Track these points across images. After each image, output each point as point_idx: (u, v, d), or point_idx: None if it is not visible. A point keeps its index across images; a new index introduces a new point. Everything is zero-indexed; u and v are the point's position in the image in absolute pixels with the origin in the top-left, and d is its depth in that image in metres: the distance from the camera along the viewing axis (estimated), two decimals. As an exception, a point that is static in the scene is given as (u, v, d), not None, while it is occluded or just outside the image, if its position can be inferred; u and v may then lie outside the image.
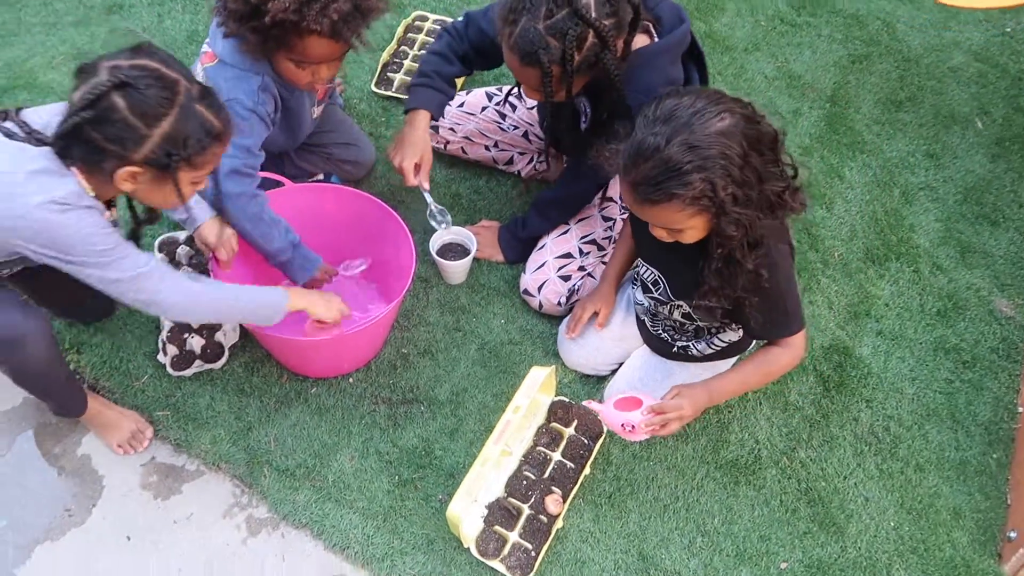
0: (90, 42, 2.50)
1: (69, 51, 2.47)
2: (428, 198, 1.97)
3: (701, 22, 2.82)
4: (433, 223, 2.00)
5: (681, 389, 1.55)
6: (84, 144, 1.29)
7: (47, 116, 1.36)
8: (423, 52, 2.53)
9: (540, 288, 1.97)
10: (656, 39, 1.66)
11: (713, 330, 1.69)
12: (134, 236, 1.55)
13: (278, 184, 1.91)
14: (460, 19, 1.88)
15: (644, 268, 1.70)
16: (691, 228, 1.37)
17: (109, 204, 1.47)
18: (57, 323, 1.91)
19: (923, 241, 2.29)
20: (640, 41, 1.64)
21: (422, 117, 1.86)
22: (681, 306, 1.64)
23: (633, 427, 1.54)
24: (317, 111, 1.96)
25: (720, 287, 1.44)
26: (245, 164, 1.69)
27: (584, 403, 1.70)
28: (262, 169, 1.77)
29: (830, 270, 2.20)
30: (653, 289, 1.69)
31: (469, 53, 1.87)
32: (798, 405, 1.95)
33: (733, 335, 1.72)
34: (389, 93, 2.45)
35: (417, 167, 1.85)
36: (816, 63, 2.73)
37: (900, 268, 2.23)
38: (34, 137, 1.32)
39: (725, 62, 2.70)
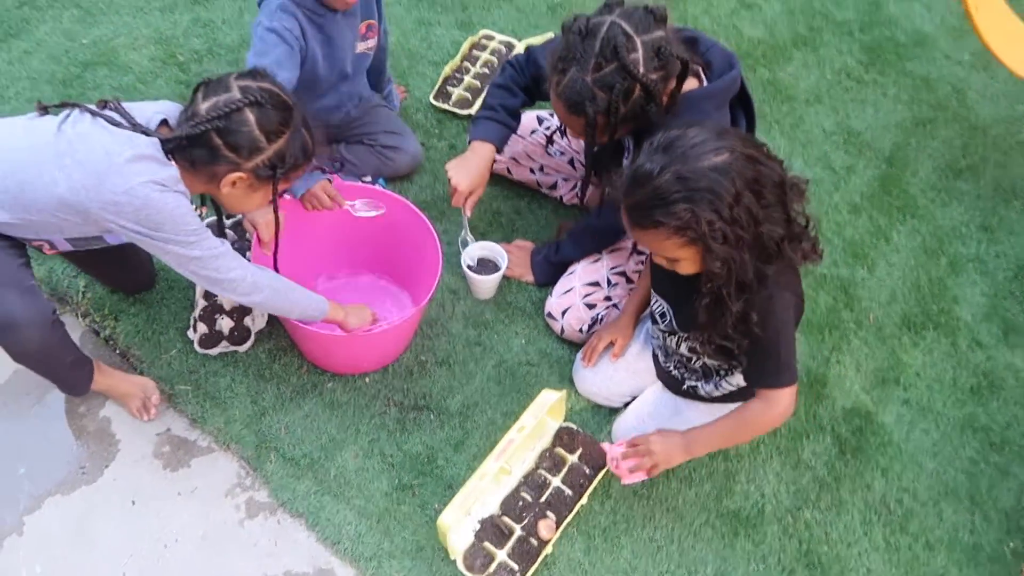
0: (172, 28, 2.63)
1: (152, 35, 2.60)
2: (466, 224, 2.02)
3: (766, 69, 2.81)
4: (461, 248, 2.05)
5: (659, 431, 1.58)
6: (205, 148, 1.43)
7: (149, 112, 1.48)
8: (484, 69, 2.60)
9: (564, 313, 1.98)
10: (705, 83, 1.67)
11: (721, 371, 1.68)
12: (220, 228, 1.71)
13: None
14: (522, 53, 1.93)
15: (655, 299, 1.70)
16: (683, 259, 1.38)
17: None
18: (101, 290, 2.01)
19: (965, 314, 2.22)
20: (688, 84, 1.65)
21: (487, 149, 1.90)
22: (686, 339, 1.63)
23: (617, 464, 1.58)
24: (361, 46, 2.05)
25: (709, 324, 1.44)
26: None
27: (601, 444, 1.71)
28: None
29: (863, 332, 2.16)
30: (660, 321, 1.69)
31: (530, 85, 1.92)
32: (810, 464, 1.91)
33: (741, 379, 1.70)
34: (446, 106, 2.51)
35: (468, 193, 1.89)
36: (878, 122, 2.69)
37: (937, 339, 2.17)
38: (139, 129, 1.44)
39: (784, 111, 2.68)
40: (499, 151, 1.95)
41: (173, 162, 1.45)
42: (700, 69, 1.68)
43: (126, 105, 1.47)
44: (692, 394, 1.77)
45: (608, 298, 1.98)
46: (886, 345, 2.14)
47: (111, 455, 1.80)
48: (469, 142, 1.93)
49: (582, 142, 2.18)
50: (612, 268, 2.00)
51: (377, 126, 2.26)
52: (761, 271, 1.36)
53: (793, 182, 1.37)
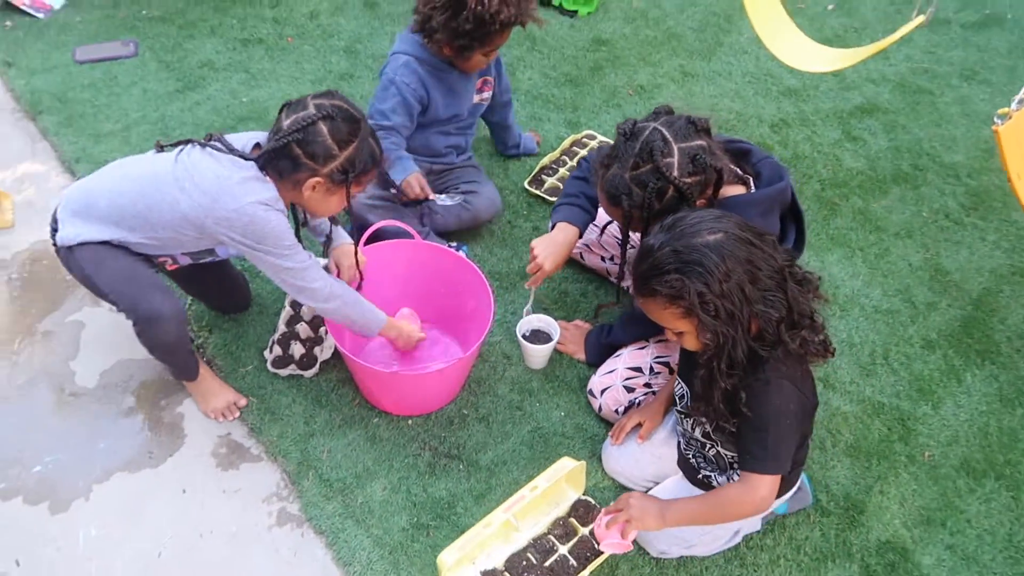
0: (317, 98, 3.02)
1: (299, 102, 3.00)
2: (531, 300, 2.19)
3: (859, 199, 2.84)
4: (526, 312, 2.22)
5: (640, 494, 1.64)
6: (288, 158, 1.68)
7: (244, 140, 1.79)
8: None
9: (603, 392, 2.06)
10: (752, 191, 1.77)
11: (735, 465, 1.69)
12: (296, 235, 1.92)
13: (409, 235, 2.19)
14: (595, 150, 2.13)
15: (678, 383, 1.76)
16: (685, 332, 1.46)
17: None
18: (202, 307, 2.29)
19: (1034, 470, 2.10)
20: (735, 190, 1.76)
21: (571, 232, 2.04)
22: (702, 423, 1.67)
23: (598, 524, 1.67)
24: (477, 98, 2.42)
25: (701, 396, 1.48)
26: (377, 124, 2.23)
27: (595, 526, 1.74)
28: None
29: (914, 467, 2.08)
30: (679, 402, 1.74)
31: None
32: (831, 589, 1.85)
33: None
34: (538, 192, 2.71)
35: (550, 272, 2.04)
36: (970, 264, 2.64)
37: (997, 490, 2.06)
38: (236, 154, 1.72)
39: (871, 240, 2.69)
40: (581, 235, 2.08)
41: (269, 179, 1.71)
42: (750, 179, 1.78)
43: (227, 136, 1.78)
44: (707, 485, 1.78)
45: (648, 384, 2.04)
46: (938, 485, 2.05)
47: (176, 447, 2.02)
48: (552, 226, 2.08)
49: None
50: (656, 357, 2.07)
51: (462, 178, 2.55)
52: (756, 353, 1.41)
53: (803, 275, 1.44)
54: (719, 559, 1.87)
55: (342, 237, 2.08)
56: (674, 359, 2.07)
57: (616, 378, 2.06)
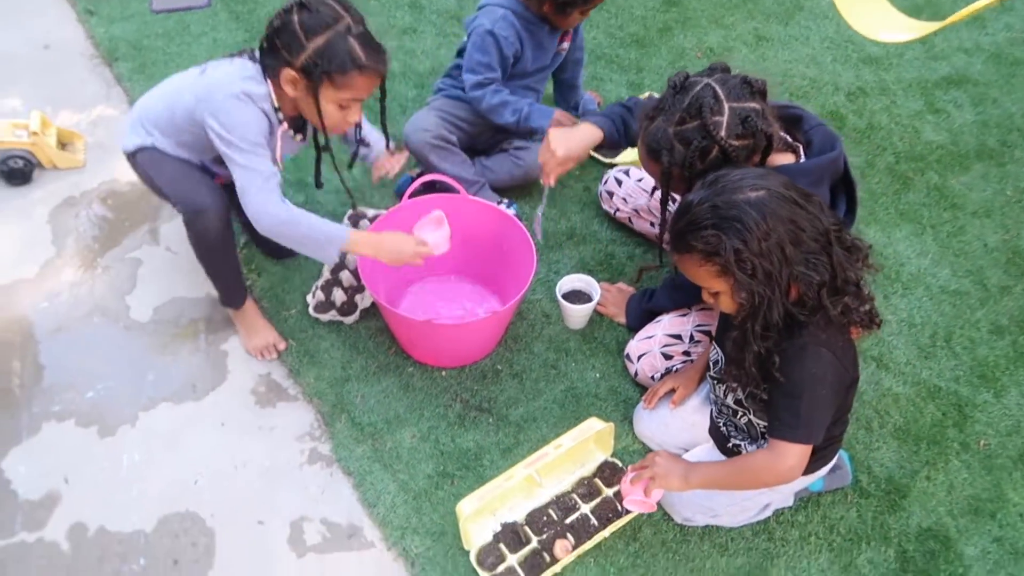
0: (379, 52, 3.03)
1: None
2: (544, 200, 2.09)
3: (936, 174, 2.68)
4: (538, 215, 2.12)
5: (665, 454, 1.58)
6: (271, 51, 1.72)
7: None
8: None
9: (640, 357, 2.02)
10: (802, 160, 1.68)
11: (765, 435, 1.63)
12: (318, 159, 2.02)
13: (454, 189, 2.18)
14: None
15: (713, 348, 1.70)
16: (721, 292, 1.40)
17: (297, 131, 1.93)
18: (255, 250, 2.35)
19: (1102, 468, 1.96)
20: (784, 159, 1.66)
21: (594, 132, 1.94)
22: (734, 390, 1.61)
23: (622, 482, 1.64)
24: (558, 48, 2.40)
25: (733, 359, 1.43)
26: (484, 77, 2.25)
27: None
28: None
29: (966, 455, 1.97)
30: (713, 368, 1.68)
31: None
32: (863, 572, 1.77)
33: None
34: (592, 153, 2.65)
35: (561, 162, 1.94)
36: (1054, 248, 2.46)
37: (1058, 485, 1.93)
38: (253, 57, 1.82)
39: (945, 218, 2.53)
40: (604, 145, 1.97)
41: (269, 82, 1.76)
42: (800, 147, 1.69)
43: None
44: (736, 454, 1.73)
45: (687, 353, 1.99)
46: (992, 476, 1.94)
47: (219, 382, 2.09)
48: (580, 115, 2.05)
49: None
50: (698, 326, 2.01)
51: (522, 142, 2.51)
52: (793, 318, 1.34)
53: (851, 242, 1.36)
54: (746, 531, 1.82)
55: (381, 144, 2.16)
56: (715, 328, 2.01)
57: (654, 344, 2.01)
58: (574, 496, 1.85)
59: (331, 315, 2.18)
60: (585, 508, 1.82)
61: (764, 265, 1.30)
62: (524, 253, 2.05)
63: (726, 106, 1.57)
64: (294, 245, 1.85)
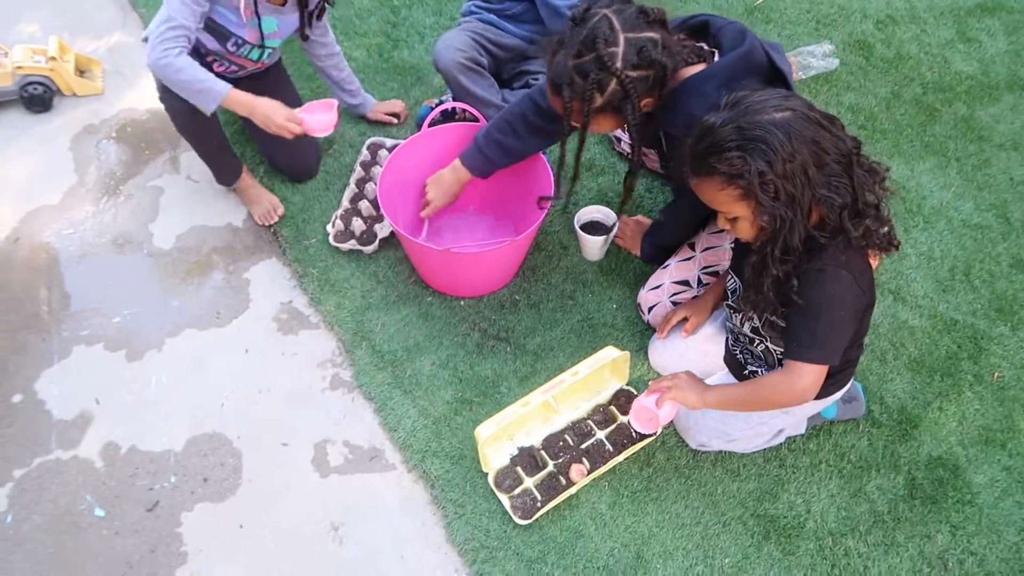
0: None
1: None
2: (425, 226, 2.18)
3: (964, 105, 2.62)
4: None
5: (689, 373, 1.63)
6: None
7: None
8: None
9: (651, 309, 2.02)
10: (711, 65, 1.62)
11: (782, 361, 1.65)
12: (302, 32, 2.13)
13: (475, 119, 2.16)
14: None
15: (730, 276, 1.71)
16: (741, 217, 1.38)
17: None
18: (273, 177, 2.36)
19: (1116, 401, 1.97)
20: (694, 70, 1.61)
21: (463, 174, 2.04)
22: (751, 318, 1.63)
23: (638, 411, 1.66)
24: None
25: (752, 284, 1.44)
26: None
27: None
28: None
29: (980, 387, 1.99)
30: (731, 296, 1.69)
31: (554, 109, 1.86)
32: (871, 497, 1.81)
33: None
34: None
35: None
36: (1081, 182, 2.42)
37: (1071, 417, 1.94)
38: None
39: (971, 151, 2.49)
40: (474, 176, 2.04)
41: None
42: (714, 53, 1.63)
43: None
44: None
45: (696, 298, 1.99)
46: (1004, 407, 1.96)
47: (242, 309, 2.13)
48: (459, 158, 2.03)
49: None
50: (704, 268, 1.99)
51: (541, 68, 2.43)
52: (814, 240, 1.35)
53: (870, 164, 1.35)
54: (757, 458, 1.86)
55: (371, 101, 2.43)
56: (723, 267, 2.00)
57: (663, 294, 2.00)
58: (590, 422, 1.89)
59: (351, 244, 2.20)
60: (600, 434, 1.86)
61: (787, 188, 1.28)
62: (542, 182, 2.04)
63: (621, 37, 1.51)
64: (177, 90, 1.93)
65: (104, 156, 2.44)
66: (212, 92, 1.92)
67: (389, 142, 2.42)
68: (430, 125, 2.13)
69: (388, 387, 1.98)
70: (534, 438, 1.87)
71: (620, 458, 1.83)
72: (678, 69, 1.57)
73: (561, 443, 1.86)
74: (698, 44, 1.66)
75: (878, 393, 1.97)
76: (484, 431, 1.73)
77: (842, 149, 1.31)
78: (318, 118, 2.02)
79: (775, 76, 1.63)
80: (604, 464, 1.82)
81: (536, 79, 2.43)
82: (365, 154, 2.39)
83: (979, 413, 1.95)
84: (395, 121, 2.50)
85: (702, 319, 1.89)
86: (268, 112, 1.97)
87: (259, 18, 2.02)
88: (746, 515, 1.79)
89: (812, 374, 1.45)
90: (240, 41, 2.05)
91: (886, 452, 1.88)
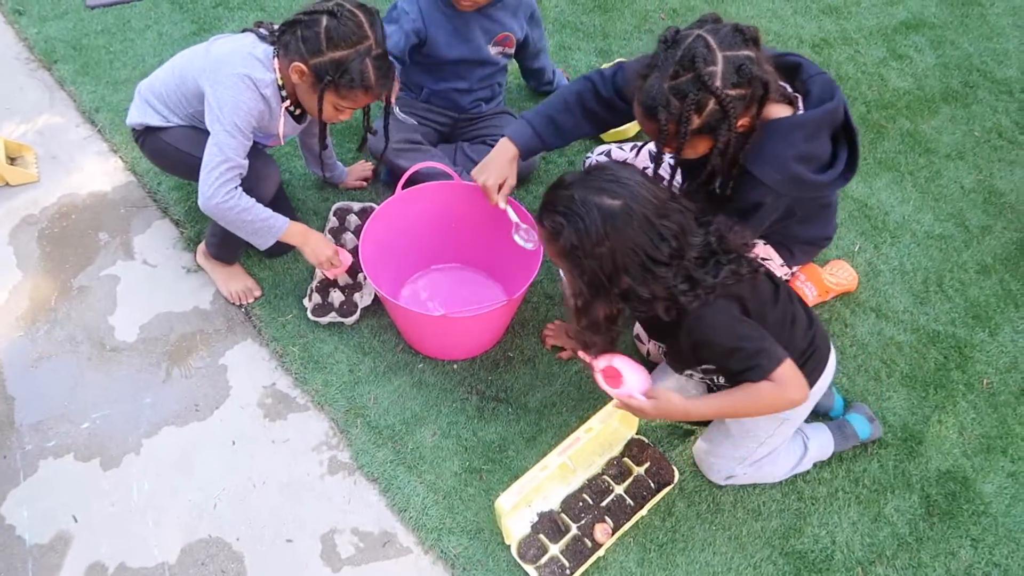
0: None
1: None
2: (512, 216, 1.99)
3: (907, 120, 2.72)
4: (518, 239, 1.98)
5: (659, 394, 1.57)
6: (291, 34, 1.77)
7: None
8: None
9: (649, 338, 2.00)
10: (800, 112, 1.66)
11: None
12: (321, 140, 2.06)
13: (448, 176, 2.11)
14: (611, 65, 1.94)
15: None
16: (563, 271, 1.57)
17: (297, 104, 1.93)
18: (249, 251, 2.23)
19: (1097, 394, 2.05)
20: (780, 111, 1.64)
21: (508, 147, 1.93)
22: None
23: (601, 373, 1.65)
24: (494, 50, 2.28)
25: (584, 325, 1.58)
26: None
27: (580, 354, 1.70)
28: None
29: (972, 395, 2.03)
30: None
31: (613, 99, 1.89)
32: (891, 520, 1.82)
33: None
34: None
35: (500, 187, 1.93)
36: (1026, 185, 2.54)
37: (1059, 415, 2.01)
38: (272, 35, 1.85)
39: (921, 164, 2.58)
40: (523, 157, 1.96)
41: (276, 61, 1.81)
42: (799, 98, 1.67)
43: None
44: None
45: None
46: (998, 413, 2.01)
47: (222, 399, 2.00)
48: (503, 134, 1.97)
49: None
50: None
51: (500, 129, 2.40)
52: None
53: (730, 250, 1.50)
54: (775, 493, 1.85)
55: (343, 173, 2.40)
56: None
57: None
58: (605, 478, 1.84)
59: (331, 317, 2.10)
60: (619, 489, 1.82)
61: (591, 266, 1.43)
62: (507, 225, 2.00)
63: (719, 55, 1.52)
64: (232, 227, 1.91)
65: (48, 248, 2.28)
66: (273, 228, 1.91)
67: (356, 206, 2.34)
68: (404, 186, 2.06)
69: (391, 465, 1.89)
70: (552, 501, 1.81)
71: (643, 512, 1.79)
72: (774, 92, 1.58)
73: (580, 503, 1.80)
74: (788, 82, 1.68)
75: (880, 412, 1.99)
76: (506, 502, 1.66)
77: (663, 249, 1.42)
78: (345, 256, 2.07)
79: (847, 135, 1.68)
80: (628, 520, 1.77)
81: (492, 139, 2.39)
82: (333, 220, 2.31)
83: (976, 422, 1.99)
84: (365, 185, 2.42)
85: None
86: (319, 246, 1.99)
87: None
88: (774, 554, 1.77)
89: (786, 376, 1.46)
90: (262, 145, 2.04)
91: (897, 472, 1.90)
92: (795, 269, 2.11)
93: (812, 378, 1.66)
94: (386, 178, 2.44)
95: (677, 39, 1.53)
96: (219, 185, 1.81)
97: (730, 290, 1.50)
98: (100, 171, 2.48)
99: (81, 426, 1.94)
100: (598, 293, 1.48)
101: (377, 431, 1.94)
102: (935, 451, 1.93)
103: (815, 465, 1.88)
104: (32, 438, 1.91)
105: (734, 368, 1.50)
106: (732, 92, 1.51)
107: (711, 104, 1.52)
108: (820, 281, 2.14)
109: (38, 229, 2.33)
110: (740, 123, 1.56)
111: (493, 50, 2.28)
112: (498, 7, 2.21)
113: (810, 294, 2.13)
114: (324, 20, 1.72)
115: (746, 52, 1.52)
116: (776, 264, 2.03)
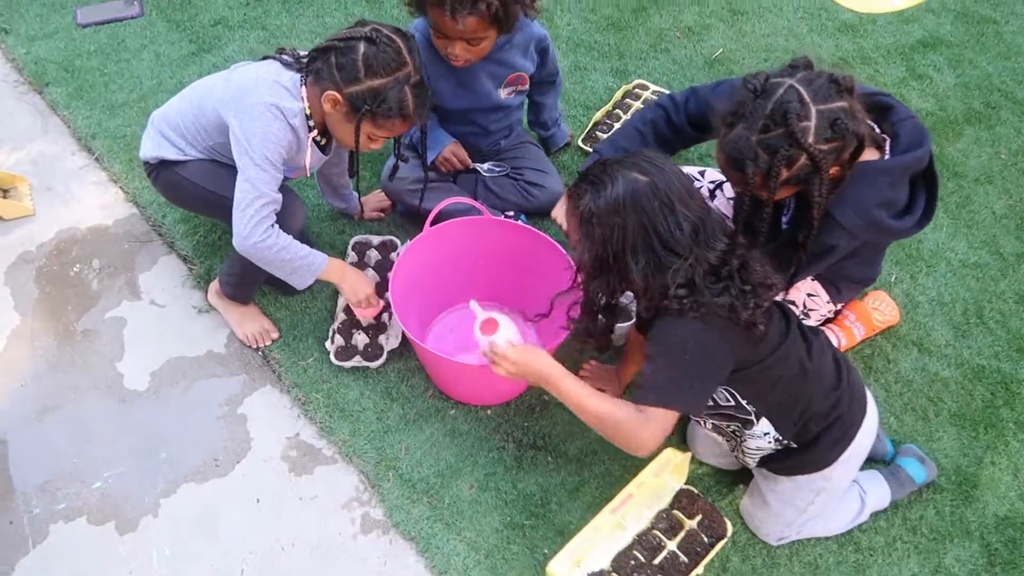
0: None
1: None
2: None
3: (934, 144, 2.65)
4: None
5: (528, 347, 1.57)
6: (323, 61, 1.67)
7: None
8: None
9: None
10: (887, 155, 1.59)
11: (736, 436, 1.64)
12: (350, 169, 1.96)
13: (477, 211, 2.01)
14: (682, 92, 1.89)
15: None
16: (575, 240, 1.50)
17: (322, 132, 1.82)
18: (263, 288, 2.12)
19: None
20: (868, 155, 1.57)
21: None
22: None
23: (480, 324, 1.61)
24: (504, 92, 2.13)
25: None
26: None
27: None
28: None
29: (1023, 434, 1.97)
30: None
31: (683, 126, 1.86)
32: (952, 571, 1.75)
33: (758, 441, 1.61)
34: (591, 149, 2.52)
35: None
36: (1058, 209, 2.49)
37: (1111, 453, 1.95)
38: (298, 62, 1.74)
39: (951, 188, 2.53)
40: None
41: (304, 89, 1.71)
42: (887, 140, 1.60)
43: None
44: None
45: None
46: (1051, 452, 1.95)
47: (243, 452, 1.88)
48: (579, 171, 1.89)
49: (731, 208, 2.13)
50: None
51: (524, 162, 2.32)
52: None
53: (751, 270, 1.40)
54: (832, 545, 1.78)
55: (356, 204, 2.25)
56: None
57: None
58: (656, 533, 1.75)
59: (355, 361, 1.99)
60: (671, 545, 1.73)
61: (602, 237, 1.38)
62: (561, 274, 1.90)
63: (813, 110, 1.45)
64: (270, 267, 1.79)
65: (48, 288, 2.14)
66: (313, 266, 1.81)
67: (376, 240, 2.23)
68: (432, 223, 1.96)
69: (428, 522, 1.78)
70: (602, 560, 1.71)
71: (699, 569, 1.70)
72: (868, 143, 1.51)
73: (633, 562, 1.71)
74: (877, 123, 1.62)
75: (930, 454, 1.92)
76: (560, 568, 1.56)
77: (675, 237, 1.36)
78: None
79: (928, 179, 1.63)
80: (682, 579, 1.69)
81: (521, 176, 2.30)
82: (352, 256, 2.19)
83: (1030, 463, 1.93)
84: (383, 216, 2.31)
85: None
86: (358, 283, 1.91)
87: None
88: (836, 612, 1.69)
89: (653, 418, 1.41)
90: (284, 178, 1.88)
91: (954, 518, 1.83)
92: (840, 306, 2.05)
93: (836, 449, 1.57)
94: (402, 209, 2.34)
95: (767, 89, 1.46)
96: (255, 223, 1.69)
97: (716, 321, 1.38)
98: (100, 203, 2.34)
99: (93, 486, 1.81)
100: (601, 271, 1.43)
101: (411, 484, 1.83)
102: (991, 495, 1.87)
103: (871, 514, 1.80)
104: (40, 500, 1.78)
105: (639, 377, 1.48)
106: (824, 147, 1.44)
107: (802, 159, 1.45)
108: (869, 320, 2.07)
109: (36, 267, 2.18)
110: (831, 172, 1.49)
111: (504, 92, 2.13)
112: (506, 49, 2.04)
113: (858, 334, 2.06)
114: (361, 47, 1.62)
115: (840, 104, 1.45)
116: (823, 300, 1.96)
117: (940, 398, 2.03)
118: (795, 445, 1.58)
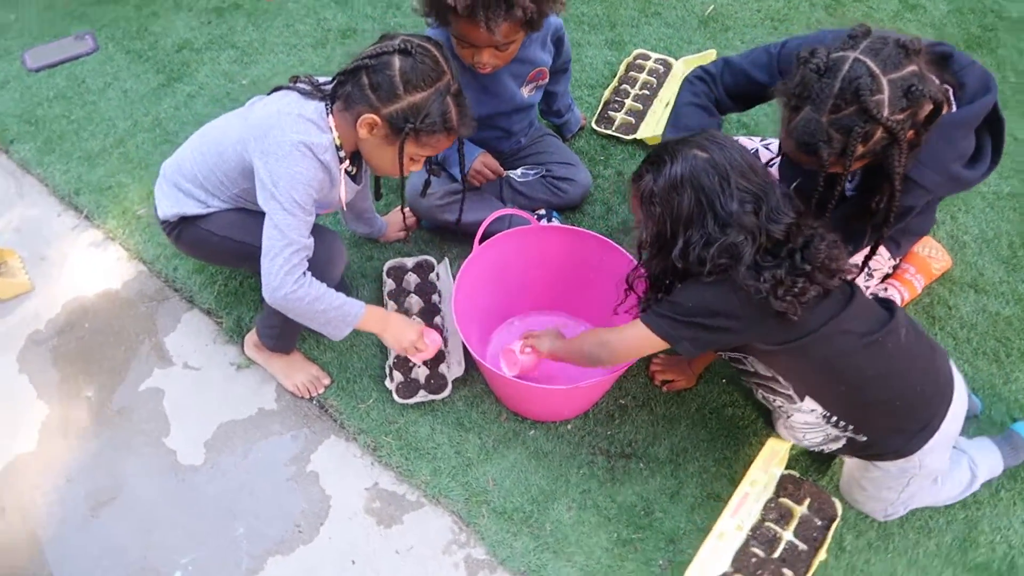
0: (326, 63, 2.61)
1: (306, 70, 2.59)
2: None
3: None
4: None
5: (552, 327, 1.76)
6: (354, 83, 1.51)
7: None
8: (644, 91, 2.51)
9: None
10: (954, 107, 1.53)
11: (782, 412, 1.62)
12: (376, 191, 1.88)
13: (525, 221, 1.90)
14: (714, 63, 1.80)
15: None
16: (638, 219, 1.51)
17: (352, 160, 1.68)
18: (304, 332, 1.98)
19: None
20: None
21: None
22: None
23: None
24: (527, 90, 2.02)
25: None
26: None
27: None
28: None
29: (1095, 361, 1.98)
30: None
31: (722, 99, 1.78)
32: (1059, 512, 1.75)
33: (805, 416, 1.56)
34: (609, 132, 2.42)
35: None
36: (1072, 125, 2.49)
37: None
38: (318, 90, 1.59)
39: None
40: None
41: (331, 118, 1.56)
42: (951, 91, 1.54)
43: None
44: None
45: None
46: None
47: (323, 512, 1.77)
48: None
49: (775, 171, 2.06)
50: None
51: (548, 156, 2.21)
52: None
53: (816, 246, 1.36)
54: (939, 507, 1.76)
55: (383, 224, 2.15)
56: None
57: None
58: (769, 524, 1.71)
59: (420, 396, 1.88)
60: (787, 535, 1.69)
61: (661, 214, 1.38)
62: (615, 271, 1.82)
63: (884, 81, 1.36)
64: (302, 319, 1.64)
65: (68, 368, 1.97)
66: (348, 316, 1.65)
67: (410, 262, 2.11)
68: (480, 241, 1.84)
69: (534, 553, 1.70)
70: (722, 563, 1.66)
71: (822, 555, 1.66)
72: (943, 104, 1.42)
73: (753, 559, 1.66)
74: (939, 75, 1.51)
75: (1011, 396, 1.91)
76: (693, 583, 1.51)
77: (730, 209, 1.34)
78: (433, 337, 1.81)
79: (992, 122, 1.58)
80: (807, 567, 1.65)
81: (550, 172, 2.20)
82: (389, 283, 2.07)
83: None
84: (408, 234, 2.18)
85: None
86: (401, 330, 1.75)
87: None
88: (959, 572, 1.68)
89: (637, 334, 1.47)
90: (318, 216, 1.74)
91: (1054, 460, 1.83)
92: (899, 260, 2.01)
93: (915, 440, 1.50)
94: (427, 225, 2.21)
95: (831, 66, 1.37)
96: (285, 273, 1.55)
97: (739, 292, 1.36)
98: (101, 265, 2.16)
99: (173, 575, 1.69)
100: (660, 249, 1.42)
101: (506, 516, 1.75)
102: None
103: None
104: (118, 603, 1.65)
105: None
106: (900, 116, 1.37)
107: (879, 133, 1.38)
108: (928, 270, 2.04)
109: (49, 348, 2.01)
110: (907, 137, 1.41)
111: (527, 90, 2.02)
112: (525, 44, 1.90)
113: (919, 286, 2.03)
114: (396, 61, 1.47)
115: (911, 68, 1.36)
116: (884, 258, 1.92)
117: (1007, 337, 2.02)
118: (863, 438, 1.52)
